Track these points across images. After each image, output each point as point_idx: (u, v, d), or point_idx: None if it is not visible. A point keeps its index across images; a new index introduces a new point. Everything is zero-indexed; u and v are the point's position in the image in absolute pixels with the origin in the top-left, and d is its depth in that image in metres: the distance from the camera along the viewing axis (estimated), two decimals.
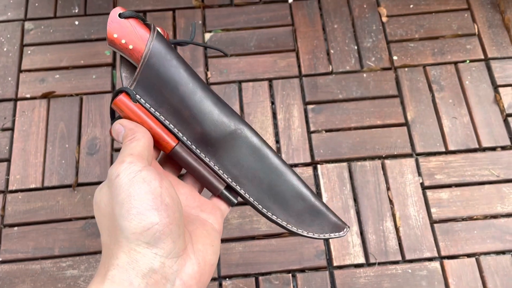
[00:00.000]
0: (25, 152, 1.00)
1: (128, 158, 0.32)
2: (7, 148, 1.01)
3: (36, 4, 1.16)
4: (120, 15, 0.37)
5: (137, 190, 0.30)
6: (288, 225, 0.39)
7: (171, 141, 0.37)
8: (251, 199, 0.39)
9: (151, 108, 0.37)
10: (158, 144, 0.38)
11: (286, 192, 0.39)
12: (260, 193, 0.39)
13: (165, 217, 0.30)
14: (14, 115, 1.04)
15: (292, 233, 0.40)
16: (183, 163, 0.38)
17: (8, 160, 1.00)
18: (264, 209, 0.39)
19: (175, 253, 0.30)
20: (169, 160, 0.40)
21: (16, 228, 0.94)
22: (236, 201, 0.40)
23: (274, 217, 0.39)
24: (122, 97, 0.37)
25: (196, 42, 0.42)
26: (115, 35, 0.37)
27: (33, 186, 0.97)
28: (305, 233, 0.39)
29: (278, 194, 0.39)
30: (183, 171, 0.41)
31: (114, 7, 1.15)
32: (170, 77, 0.36)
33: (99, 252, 0.92)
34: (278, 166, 0.39)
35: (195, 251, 0.32)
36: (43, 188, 0.97)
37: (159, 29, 0.38)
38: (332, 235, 0.39)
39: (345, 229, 0.40)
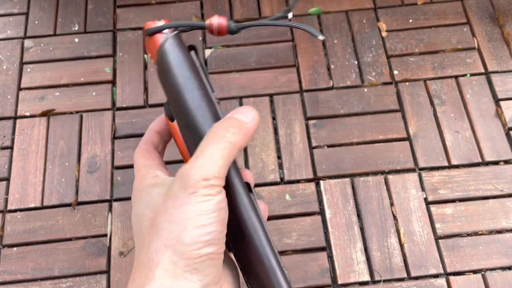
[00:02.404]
0: (25, 171, 0.99)
1: (212, 181, 0.27)
2: (6, 167, 1.00)
3: (36, 22, 1.16)
4: (147, 32, 0.33)
5: (204, 216, 0.27)
6: None
7: None
8: None
9: None
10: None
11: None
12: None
13: (220, 247, 0.28)
14: (13, 133, 1.03)
15: None
16: None
17: (7, 179, 0.99)
18: None
19: (216, 281, 0.28)
20: None
21: (15, 248, 0.92)
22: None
23: None
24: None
25: (281, 23, 0.32)
26: (149, 55, 0.34)
27: (32, 205, 0.96)
28: None
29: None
30: None
31: (114, 24, 1.15)
32: (175, 99, 0.32)
33: (100, 272, 0.91)
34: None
35: (226, 276, 0.31)
36: (42, 207, 0.96)
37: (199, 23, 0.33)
38: None
39: None
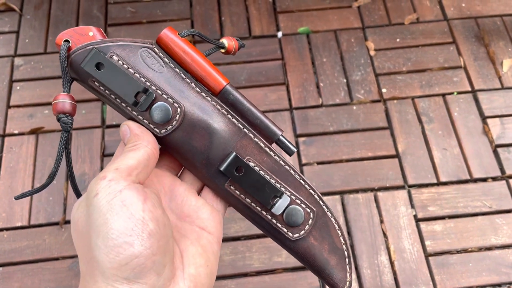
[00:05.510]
0: (12, 189, 0.98)
1: (110, 174, 0.28)
2: None
3: (26, 40, 1.16)
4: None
5: (115, 216, 0.26)
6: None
7: (222, 80, 0.34)
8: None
9: None
10: (206, 85, 0.34)
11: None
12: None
13: (147, 247, 0.26)
14: (1, 151, 1.02)
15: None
16: (238, 103, 0.34)
17: None
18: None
19: (160, 286, 0.27)
20: (167, 157, 0.36)
21: (0, 268, 0.91)
22: (295, 150, 0.35)
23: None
24: (166, 31, 0.33)
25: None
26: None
27: (19, 224, 0.95)
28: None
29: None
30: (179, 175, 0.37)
31: None
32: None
33: None
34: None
35: (186, 277, 0.29)
36: (29, 226, 0.95)
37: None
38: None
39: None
